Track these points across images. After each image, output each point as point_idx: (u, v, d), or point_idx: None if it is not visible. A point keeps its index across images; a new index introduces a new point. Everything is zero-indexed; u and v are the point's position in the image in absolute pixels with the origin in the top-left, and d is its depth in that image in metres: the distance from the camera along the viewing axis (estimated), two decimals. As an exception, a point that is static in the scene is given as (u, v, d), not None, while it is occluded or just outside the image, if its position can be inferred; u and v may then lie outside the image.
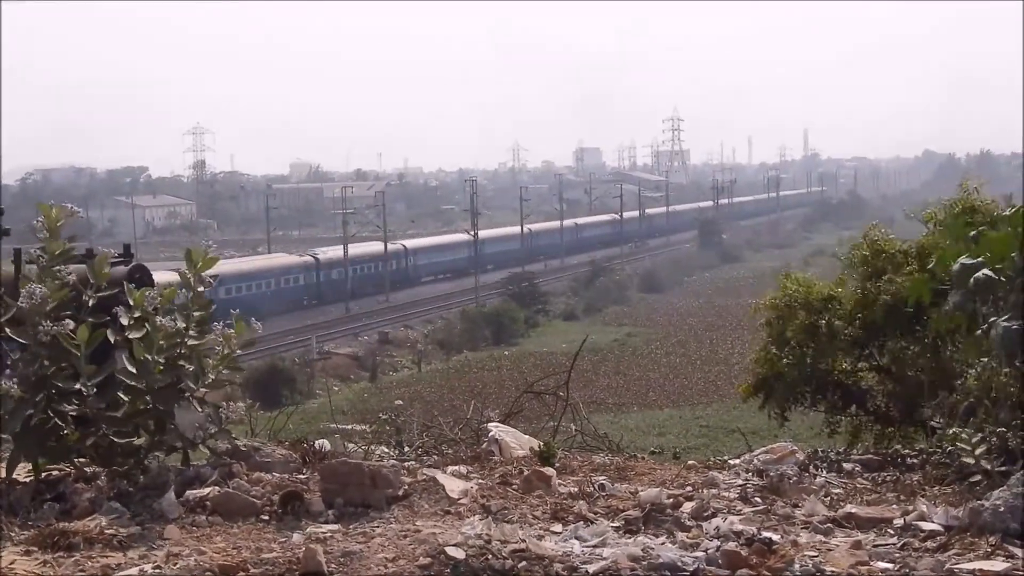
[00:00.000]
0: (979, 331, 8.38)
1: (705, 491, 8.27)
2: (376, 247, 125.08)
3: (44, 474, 8.35)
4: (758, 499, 8.06)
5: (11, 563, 6.48)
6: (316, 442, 9.65)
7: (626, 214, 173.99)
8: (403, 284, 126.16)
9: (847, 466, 9.32)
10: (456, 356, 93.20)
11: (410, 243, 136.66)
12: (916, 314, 20.23)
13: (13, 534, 7.11)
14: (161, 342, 8.15)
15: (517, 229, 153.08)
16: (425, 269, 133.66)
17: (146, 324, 8.14)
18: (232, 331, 8.54)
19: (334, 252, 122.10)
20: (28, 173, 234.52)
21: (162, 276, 9.41)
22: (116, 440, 8.19)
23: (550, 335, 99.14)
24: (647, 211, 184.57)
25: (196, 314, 8.40)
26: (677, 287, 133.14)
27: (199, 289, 8.47)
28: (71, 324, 8.03)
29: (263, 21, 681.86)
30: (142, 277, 8.97)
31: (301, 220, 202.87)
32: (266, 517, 7.53)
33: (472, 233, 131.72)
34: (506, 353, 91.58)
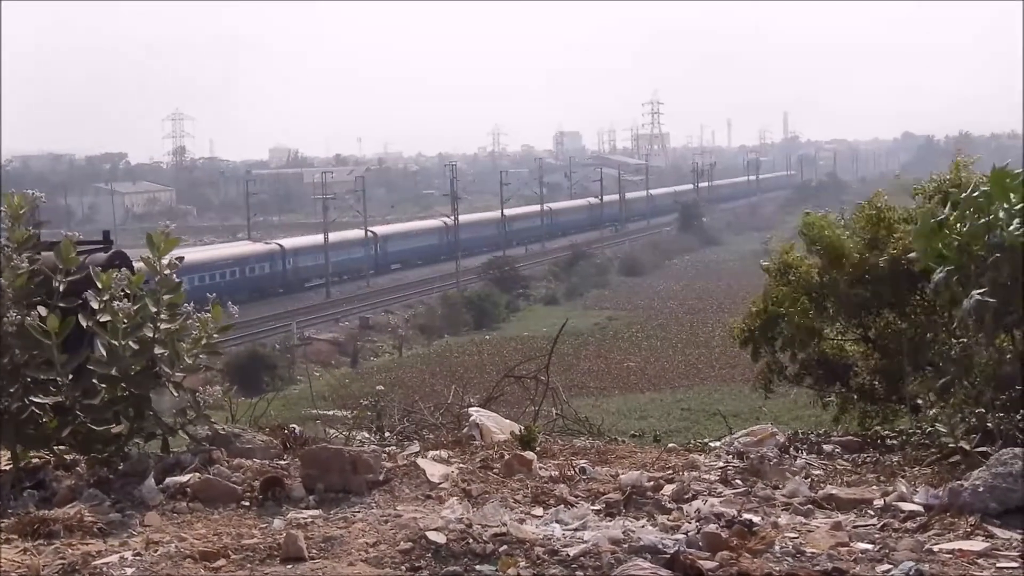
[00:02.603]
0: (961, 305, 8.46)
1: (686, 474, 8.30)
2: (245, 248, 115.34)
3: (24, 462, 8.34)
4: (739, 481, 8.08)
5: (-9, 551, 6.48)
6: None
7: (558, 203, 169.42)
8: (277, 292, 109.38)
9: (827, 448, 9.37)
10: (437, 341, 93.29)
11: (289, 242, 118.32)
12: (913, 282, 20.04)
13: (-7, 522, 7.10)
14: (123, 325, 8.11)
15: (431, 223, 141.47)
16: (310, 272, 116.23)
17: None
18: (208, 316, 8.54)
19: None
20: (8, 160, 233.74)
21: (142, 264, 9.37)
22: (94, 428, 8.19)
23: (531, 319, 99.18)
24: (627, 195, 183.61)
25: (165, 297, 8.37)
26: (658, 271, 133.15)
27: (166, 272, 8.44)
28: (43, 311, 8.01)
29: (241, 8, 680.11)
30: (122, 264, 8.96)
31: (281, 206, 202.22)
32: (247, 503, 7.54)
33: (368, 230, 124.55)
34: (487, 338, 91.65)
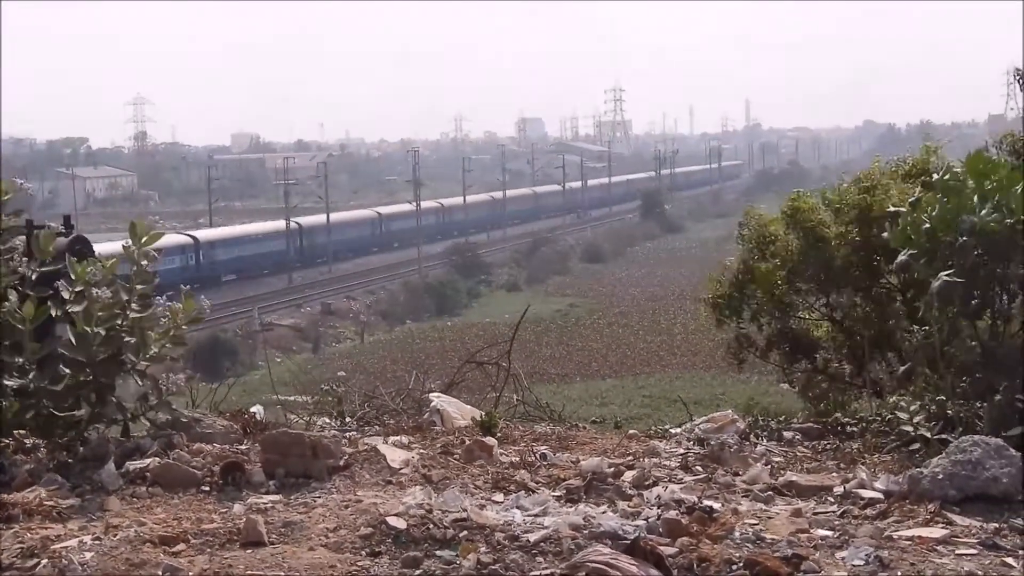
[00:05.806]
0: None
1: (646, 460, 8.30)
2: None
3: (-18, 446, 8.29)
4: (699, 468, 8.09)
5: (-51, 535, 6.44)
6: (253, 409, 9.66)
7: (467, 197, 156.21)
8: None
9: (787, 434, 9.38)
10: (399, 327, 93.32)
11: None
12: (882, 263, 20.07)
13: (-48, 506, 7.06)
14: (100, 313, 8.09)
15: (272, 225, 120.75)
16: None
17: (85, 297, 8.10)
18: (179, 306, 8.52)
19: None
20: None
21: (103, 248, 9.33)
22: (56, 412, 8.15)
23: (492, 306, 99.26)
24: (589, 181, 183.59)
25: (139, 287, 8.35)
26: (620, 258, 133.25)
27: (142, 263, 8.42)
28: (14, 297, 7.99)
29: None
30: (82, 249, 8.93)
31: (243, 191, 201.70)
32: (207, 488, 7.52)
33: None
34: (448, 324, 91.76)
